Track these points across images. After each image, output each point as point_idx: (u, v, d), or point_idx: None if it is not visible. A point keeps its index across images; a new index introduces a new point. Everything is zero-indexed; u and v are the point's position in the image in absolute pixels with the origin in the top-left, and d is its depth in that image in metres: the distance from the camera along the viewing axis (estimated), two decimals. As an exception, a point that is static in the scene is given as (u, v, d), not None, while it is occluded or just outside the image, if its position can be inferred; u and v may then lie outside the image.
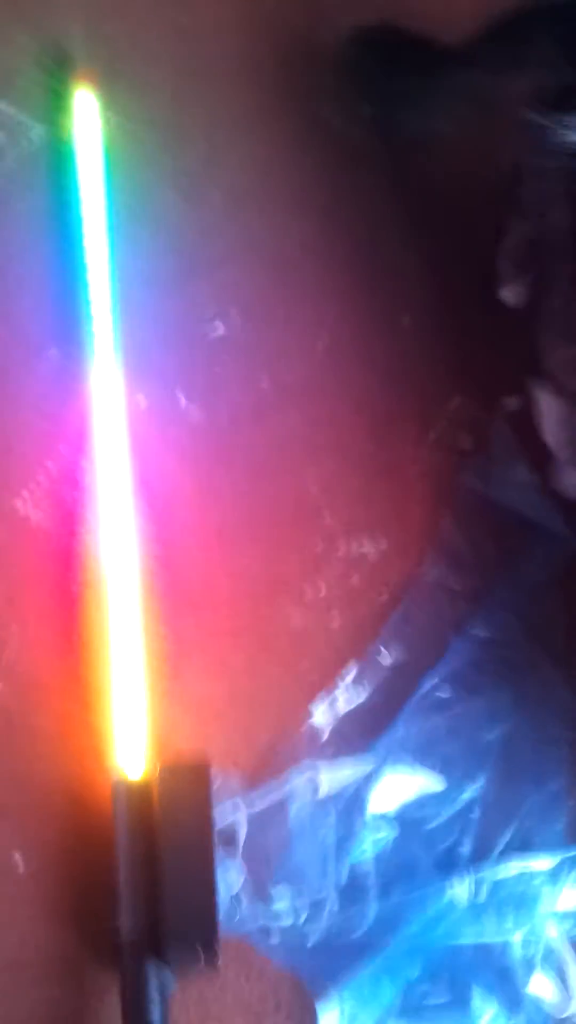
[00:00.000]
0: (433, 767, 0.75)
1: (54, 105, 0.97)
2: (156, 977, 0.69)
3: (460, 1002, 0.70)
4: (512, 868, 0.71)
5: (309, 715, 0.79)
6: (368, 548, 0.84)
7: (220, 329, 0.91)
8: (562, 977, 0.74)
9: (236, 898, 0.72)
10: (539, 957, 0.73)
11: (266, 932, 0.72)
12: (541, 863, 0.74)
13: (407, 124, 0.95)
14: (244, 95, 1.00)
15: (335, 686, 0.79)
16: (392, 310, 0.93)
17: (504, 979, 0.70)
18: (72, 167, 0.95)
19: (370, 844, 0.73)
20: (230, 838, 0.73)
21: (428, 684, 0.78)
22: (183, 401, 0.89)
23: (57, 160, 0.96)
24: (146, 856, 0.71)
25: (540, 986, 0.73)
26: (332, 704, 0.79)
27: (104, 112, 0.97)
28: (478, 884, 0.71)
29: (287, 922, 0.72)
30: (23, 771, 0.77)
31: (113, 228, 0.92)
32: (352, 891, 0.72)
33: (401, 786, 0.75)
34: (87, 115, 0.96)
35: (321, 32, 1.03)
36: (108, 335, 0.87)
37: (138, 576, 0.80)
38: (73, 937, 0.74)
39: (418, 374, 0.91)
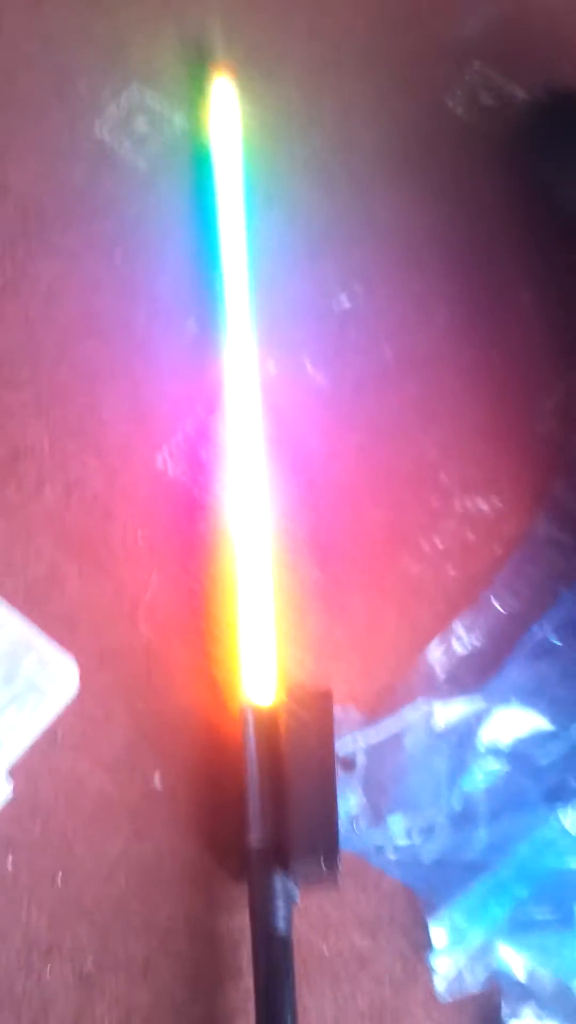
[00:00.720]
0: (543, 708, 0.79)
1: (195, 94, 1.04)
2: (282, 886, 0.74)
3: (565, 921, 0.74)
4: (617, 799, 0.75)
5: (424, 658, 0.83)
6: (483, 506, 0.88)
7: (345, 303, 0.97)
8: None
9: (355, 820, 0.77)
10: None
11: (382, 851, 0.77)
12: None
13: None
14: (373, 87, 1.06)
15: (449, 632, 0.84)
16: (510, 286, 0.97)
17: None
18: (210, 152, 1.01)
19: (482, 776, 0.78)
20: (350, 766, 0.79)
21: (539, 631, 0.82)
22: (310, 368, 0.94)
23: (197, 146, 1.02)
24: (273, 776, 0.76)
25: None
26: (447, 648, 0.83)
27: (241, 101, 1.03)
28: (584, 814, 0.75)
29: (402, 843, 0.77)
30: (162, 701, 0.83)
31: (248, 209, 0.98)
32: (464, 818, 0.77)
33: (512, 724, 0.78)
34: (225, 104, 1.03)
35: (447, 29, 1.09)
36: (242, 307, 0.93)
37: (267, 526, 0.86)
38: (205, 850, 0.79)
39: (535, 347, 0.94)
